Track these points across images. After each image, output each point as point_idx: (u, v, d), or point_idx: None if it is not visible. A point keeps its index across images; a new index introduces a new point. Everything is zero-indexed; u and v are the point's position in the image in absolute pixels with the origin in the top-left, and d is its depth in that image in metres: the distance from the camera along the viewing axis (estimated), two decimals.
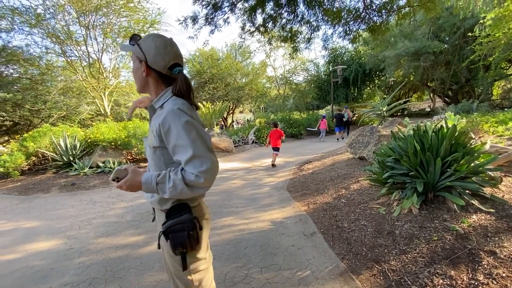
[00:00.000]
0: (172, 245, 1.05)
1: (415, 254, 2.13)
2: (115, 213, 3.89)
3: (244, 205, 3.99)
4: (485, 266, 1.82)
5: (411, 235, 2.37)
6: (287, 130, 14.10)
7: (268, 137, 7.27)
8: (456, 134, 2.82)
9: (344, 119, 12.79)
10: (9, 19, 10.19)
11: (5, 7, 9.85)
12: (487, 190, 2.70)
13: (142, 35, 1.14)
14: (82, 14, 10.42)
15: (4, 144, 13.11)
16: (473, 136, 3.53)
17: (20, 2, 10.30)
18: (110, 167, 6.46)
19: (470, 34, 12.29)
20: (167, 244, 1.08)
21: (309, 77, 21.28)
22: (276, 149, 7.07)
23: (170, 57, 1.07)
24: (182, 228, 1.04)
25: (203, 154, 0.97)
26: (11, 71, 12.10)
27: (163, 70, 1.08)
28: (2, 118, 10.73)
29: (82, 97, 14.09)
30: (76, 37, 11.21)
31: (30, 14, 10.04)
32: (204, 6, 4.74)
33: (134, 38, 1.11)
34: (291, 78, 21.39)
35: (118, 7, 10.96)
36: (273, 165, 6.97)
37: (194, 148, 0.96)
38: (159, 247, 1.14)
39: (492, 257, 1.88)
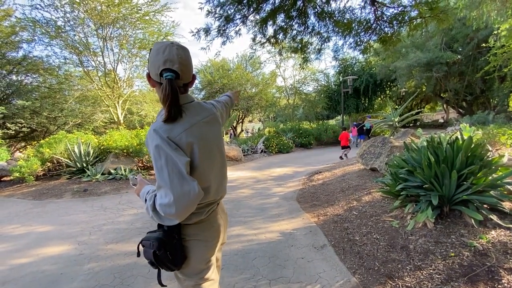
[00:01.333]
0: (145, 258, 1.04)
1: (431, 271, 2.04)
2: (125, 220, 3.93)
3: (253, 215, 3.95)
4: (505, 284, 1.73)
5: (426, 250, 2.29)
6: (297, 139, 14.06)
7: (339, 138, 9.86)
8: (472, 146, 2.74)
9: (365, 128, 13.24)
10: (31, 30, 10.72)
11: (27, 19, 10.38)
12: (506, 205, 2.58)
13: None
14: (100, 27, 10.86)
15: (21, 150, 13.58)
16: (490, 149, 3.41)
17: (42, 14, 10.75)
18: (122, 174, 6.56)
19: (484, 44, 12.12)
20: None
21: (319, 87, 21.31)
22: (343, 147, 9.47)
23: (159, 63, 0.97)
24: (149, 245, 1.01)
25: (167, 185, 0.88)
26: (31, 80, 12.68)
27: (157, 79, 1.00)
28: (20, 125, 11.14)
29: (97, 105, 14.54)
30: (94, 48, 11.68)
31: (51, 26, 10.53)
32: (217, 19, 4.87)
33: None
34: (300, 88, 21.48)
35: (135, 20, 11.38)
36: (341, 157, 9.14)
37: (159, 177, 0.90)
38: (138, 255, 1.12)
39: None
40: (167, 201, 0.87)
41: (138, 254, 1.11)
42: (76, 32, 10.93)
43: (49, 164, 6.99)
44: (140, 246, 1.08)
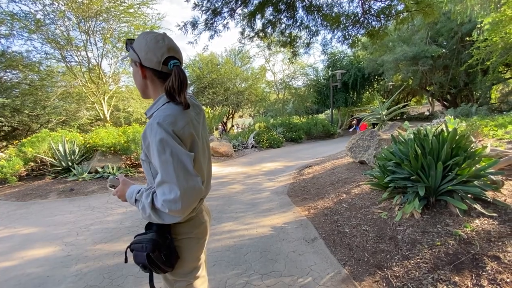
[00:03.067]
0: (136, 263, 1.00)
1: (418, 260, 2.10)
2: (114, 219, 3.85)
3: (244, 210, 3.95)
4: (489, 271, 1.79)
5: (413, 240, 2.34)
6: (287, 134, 14.11)
7: (360, 129, 10.93)
8: (457, 138, 2.81)
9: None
10: (8, 24, 10.22)
11: (4, 13, 9.88)
12: (489, 194, 2.68)
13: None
14: (82, 20, 10.46)
15: (2, 150, 13.06)
16: (474, 140, 3.52)
17: (20, 8, 10.25)
18: (109, 173, 6.42)
19: (467, 38, 12.41)
20: None
21: (308, 82, 21.37)
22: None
23: (163, 50, 0.95)
24: (141, 248, 0.97)
25: (172, 180, 0.85)
26: (10, 76, 12.13)
27: (158, 67, 0.96)
28: (0, 124, 10.68)
29: (82, 102, 14.08)
30: (76, 42, 11.25)
31: (30, 20, 10.07)
32: (204, 12, 4.77)
33: (129, 43, 1.02)
34: (290, 83, 21.49)
35: (118, 13, 11.02)
36: None
37: (164, 172, 0.86)
38: (126, 261, 1.07)
39: (496, 262, 1.85)
40: (172, 196, 0.84)
41: (126, 260, 1.06)
42: (56, 26, 10.49)
43: (32, 163, 6.75)
44: (129, 251, 1.03)
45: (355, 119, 14.56)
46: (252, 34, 5.42)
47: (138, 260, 0.99)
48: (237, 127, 24.70)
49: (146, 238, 0.98)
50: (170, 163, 0.85)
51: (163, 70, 0.97)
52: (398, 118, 17.95)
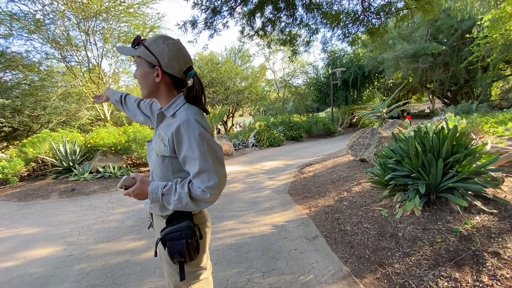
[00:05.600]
0: (170, 254, 1.01)
1: (419, 257, 2.11)
2: (115, 218, 3.86)
3: (245, 209, 3.96)
4: (489, 267, 1.80)
5: (414, 237, 2.35)
6: (287, 133, 14.10)
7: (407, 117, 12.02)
8: (457, 135, 2.81)
9: (394, 117, 14.62)
10: (8, 24, 10.21)
11: (3, 13, 9.86)
12: (490, 191, 2.68)
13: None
14: (82, 20, 10.45)
15: (3, 150, 13.08)
16: (474, 137, 3.52)
17: (19, 7, 10.24)
18: (110, 172, 6.43)
19: (467, 35, 12.37)
20: (165, 252, 1.04)
21: (308, 80, 21.33)
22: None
23: (185, 60, 1.04)
24: (180, 236, 1.00)
25: (211, 169, 0.95)
26: (10, 76, 12.13)
27: (178, 74, 1.04)
28: (1, 124, 10.68)
29: (82, 102, 14.07)
30: (76, 42, 11.24)
31: (29, 20, 10.05)
32: (203, 11, 4.76)
33: (139, 41, 1.03)
34: (290, 81, 21.46)
35: (118, 13, 11.00)
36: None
37: (204, 163, 0.95)
38: (155, 254, 1.11)
39: (496, 258, 1.86)
40: (212, 183, 0.95)
41: (156, 254, 1.09)
42: (56, 26, 10.48)
43: (33, 164, 6.76)
44: (162, 244, 1.04)
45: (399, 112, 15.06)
46: (251, 32, 5.41)
47: (175, 249, 1.00)
48: (239, 126, 24.69)
49: (184, 226, 1.02)
50: (208, 154, 0.96)
51: (181, 78, 1.06)
52: (405, 115, 18.14)
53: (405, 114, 16.26)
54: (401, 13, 4.62)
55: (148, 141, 1.24)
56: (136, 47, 1.04)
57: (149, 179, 1.08)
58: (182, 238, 1.00)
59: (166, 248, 1.03)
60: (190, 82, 1.09)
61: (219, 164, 0.99)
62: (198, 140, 0.95)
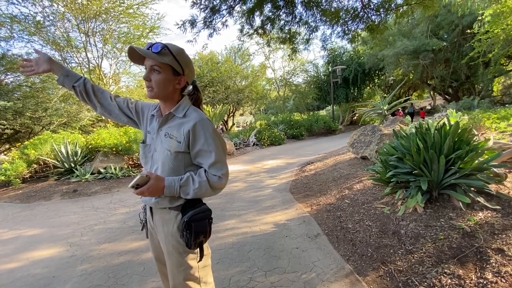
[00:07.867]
0: (195, 234, 1.08)
1: (422, 254, 2.10)
2: (117, 219, 3.87)
3: (247, 208, 3.96)
4: (493, 264, 1.79)
5: (416, 235, 2.34)
6: (288, 131, 14.08)
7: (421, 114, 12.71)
8: (459, 131, 2.79)
9: (409, 112, 15.43)
10: (8, 27, 10.23)
11: (3, 15, 9.88)
12: (492, 187, 2.66)
13: (164, 42, 1.14)
14: (82, 21, 10.45)
15: (5, 152, 13.13)
16: (476, 133, 3.50)
17: (19, 10, 10.27)
18: (112, 173, 6.44)
19: (468, 31, 12.29)
20: (177, 243, 1.13)
21: (308, 78, 21.28)
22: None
23: (194, 72, 1.24)
24: (204, 216, 1.13)
25: (223, 159, 1.14)
26: (11, 79, 12.16)
27: (189, 83, 1.21)
28: (2, 127, 10.70)
29: (83, 103, 14.09)
30: (76, 44, 11.25)
31: (29, 22, 10.07)
32: (202, 10, 4.75)
33: (169, 50, 1.09)
34: (290, 80, 21.40)
35: (118, 14, 11.00)
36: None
37: (218, 154, 1.11)
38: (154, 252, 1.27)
39: (500, 255, 1.85)
40: (225, 171, 1.13)
41: (182, 235, 1.12)
42: (56, 27, 10.49)
43: (35, 165, 6.79)
44: (183, 230, 1.10)
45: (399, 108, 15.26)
46: (251, 31, 5.39)
47: (200, 228, 1.10)
48: (245, 124, 24.67)
49: (204, 208, 1.15)
50: (220, 148, 1.13)
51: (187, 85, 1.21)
52: (421, 110, 18.34)
53: (419, 110, 17.41)
54: (401, 9, 4.59)
55: (141, 143, 1.27)
56: (164, 52, 1.09)
57: (162, 176, 1.12)
58: (206, 218, 1.13)
59: (186, 234, 1.08)
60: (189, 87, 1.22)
61: (225, 156, 1.17)
62: (213, 135, 1.11)
